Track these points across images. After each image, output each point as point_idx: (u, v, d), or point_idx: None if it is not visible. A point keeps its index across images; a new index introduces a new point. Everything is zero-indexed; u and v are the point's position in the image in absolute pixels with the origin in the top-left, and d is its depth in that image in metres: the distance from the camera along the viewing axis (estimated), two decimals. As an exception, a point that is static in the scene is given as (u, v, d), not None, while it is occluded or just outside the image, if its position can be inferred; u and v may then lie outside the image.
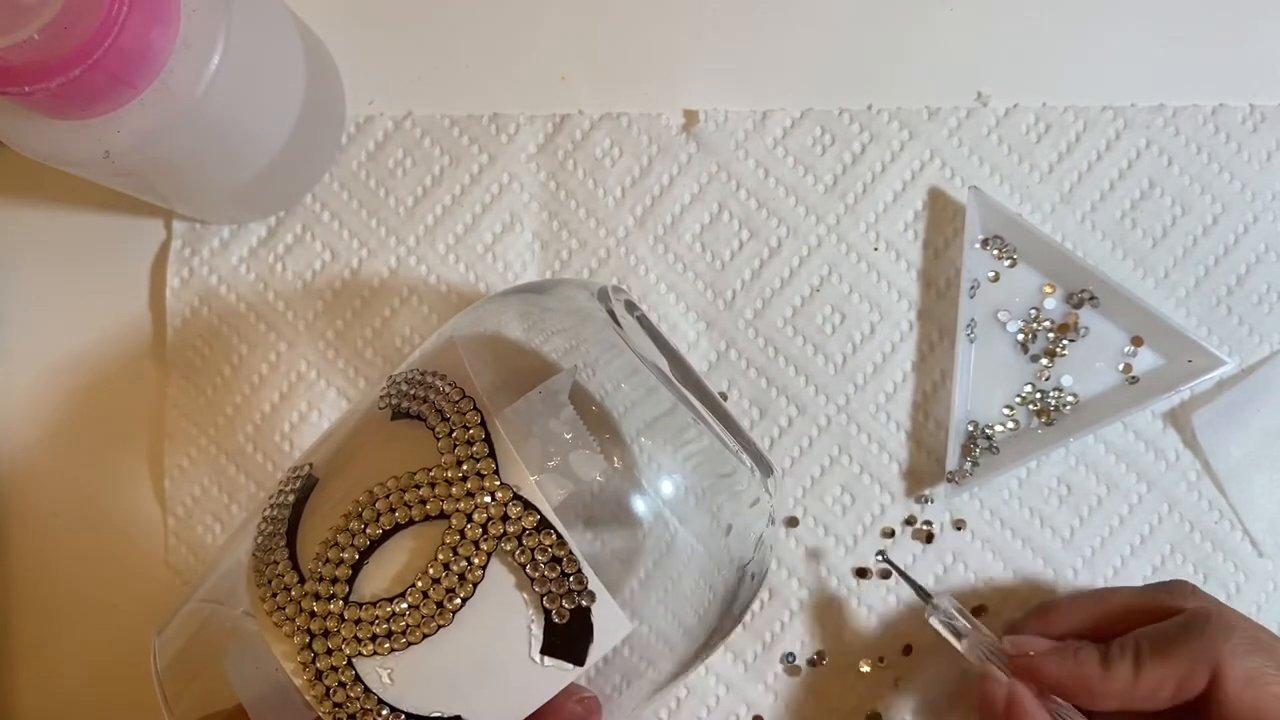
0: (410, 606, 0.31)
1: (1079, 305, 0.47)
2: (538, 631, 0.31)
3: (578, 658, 0.32)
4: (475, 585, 0.31)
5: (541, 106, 0.49)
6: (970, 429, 0.47)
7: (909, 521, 0.47)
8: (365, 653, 0.31)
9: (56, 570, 0.49)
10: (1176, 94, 0.48)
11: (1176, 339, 0.46)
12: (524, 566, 0.31)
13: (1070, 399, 0.47)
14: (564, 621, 0.31)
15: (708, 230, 0.48)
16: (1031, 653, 0.40)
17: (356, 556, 0.31)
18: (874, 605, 0.47)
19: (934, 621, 0.42)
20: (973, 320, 0.47)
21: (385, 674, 0.31)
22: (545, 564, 0.31)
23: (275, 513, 0.34)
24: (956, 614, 0.42)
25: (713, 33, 0.49)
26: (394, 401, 0.34)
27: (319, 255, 0.49)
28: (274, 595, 0.32)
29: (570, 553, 0.31)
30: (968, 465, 0.46)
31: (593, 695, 0.34)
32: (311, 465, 0.35)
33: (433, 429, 0.32)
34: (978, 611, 0.46)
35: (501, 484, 0.31)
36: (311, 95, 0.44)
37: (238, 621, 0.34)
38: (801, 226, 0.48)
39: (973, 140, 0.48)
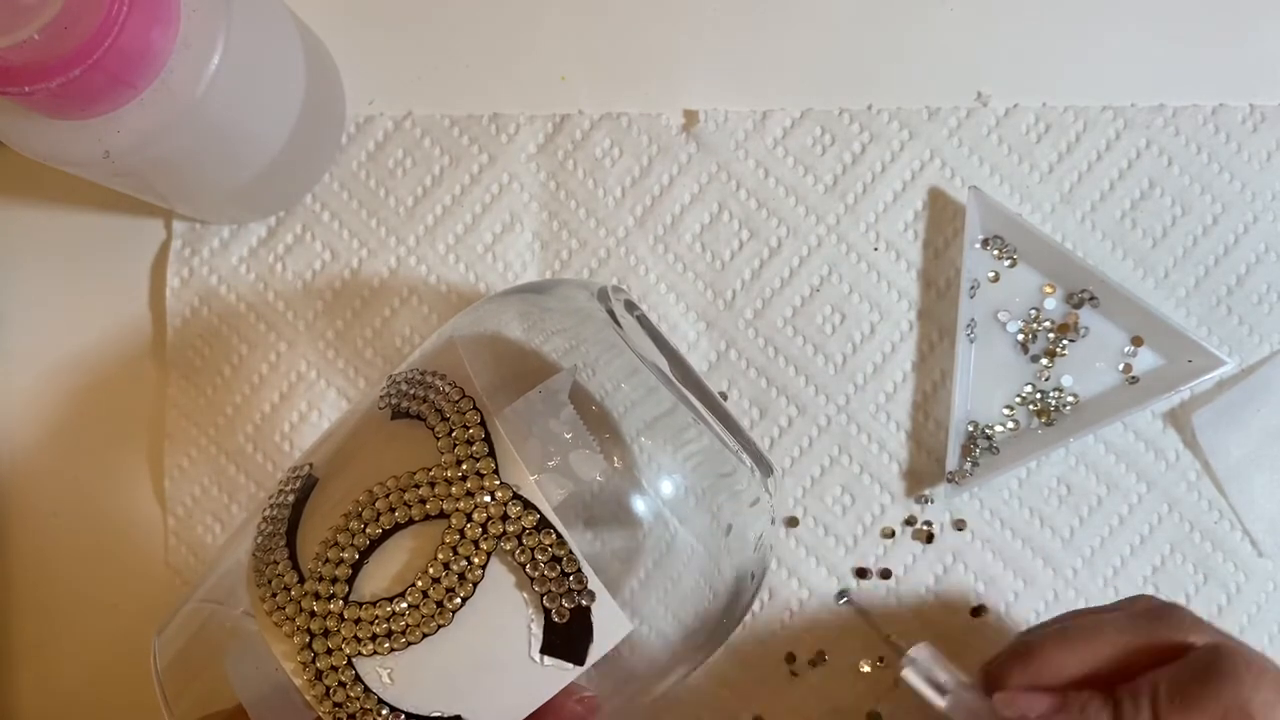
0: (410, 606, 0.31)
1: (1079, 305, 0.47)
2: (537, 631, 0.31)
3: (578, 657, 0.32)
4: (475, 585, 0.31)
5: (541, 106, 0.49)
6: (970, 429, 0.47)
7: (909, 521, 0.47)
8: (365, 652, 0.31)
9: (56, 570, 0.49)
10: (1176, 94, 0.48)
11: (1176, 339, 0.46)
12: (524, 566, 0.31)
13: (1070, 399, 0.47)
14: (564, 621, 0.31)
15: (708, 230, 0.48)
16: (1031, 718, 0.36)
17: (356, 556, 0.31)
18: (874, 605, 0.47)
19: (909, 676, 0.38)
20: (973, 320, 0.47)
21: (385, 674, 0.31)
22: (545, 563, 0.31)
23: (275, 513, 0.34)
24: (937, 668, 0.38)
25: (713, 33, 0.49)
26: (394, 401, 0.34)
27: (319, 255, 0.49)
28: (274, 595, 0.32)
29: (570, 552, 0.31)
30: (968, 465, 0.46)
31: (592, 695, 0.34)
32: (311, 465, 0.35)
33: (432, 429, 0.32)
34: (977, 612, 0.46)
35: (501, 484, 0.31)
36: (311, 95, 0.44)
37: (238, 621, 0.34)
38: (801, 226, 0.48)
39: (973, 140, 0.48)
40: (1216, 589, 0.46)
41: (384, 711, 0.31)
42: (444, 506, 0.31)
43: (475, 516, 0.31)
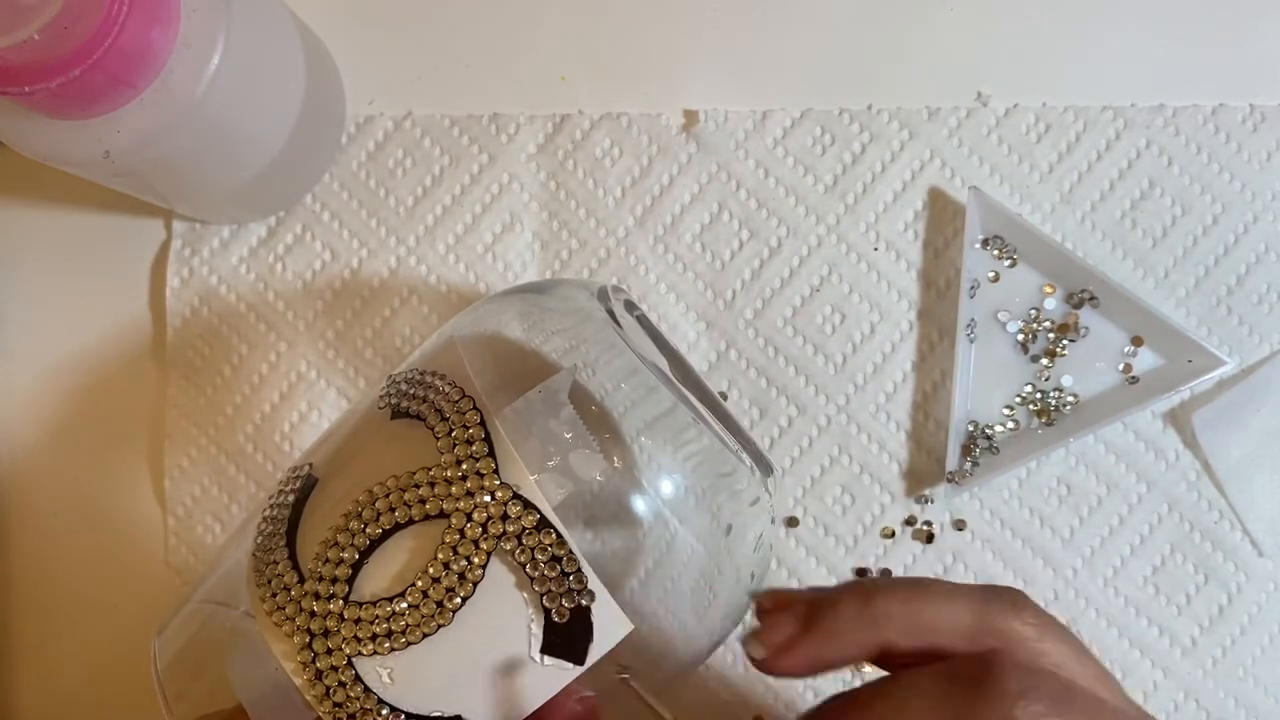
0: (410, 606, 0.31)
1: (1079, 305, 0.47)
2: (537, 631, 0.31)
3: (578, 657, 0.31)
4: (475, 584, 0.31)
5: (541, 106, 0.49)
6: (970, 429, 0.47)
7: (909, 521, 0.47)
8: (365, 652, 0.31)
9: (56, 570, 0.49)
10: (1176, 94, 0.48)
11: (1176, 339, 0.46)
12: (524, 566, 0.31)
13: (1070, 399, 0.47)
14: (564, 621, 0.31)
15: (708, 230, 0.48)
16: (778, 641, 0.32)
17: (356, 556, 0.31)
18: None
19: None
20: (973, 320, 0.47)
21: (385, 673, 0.31)
22: (545, 563, 0.31)
23: (275, 513, 0.34)
24: None
25: (713, 33, 0.49)
26: (394, 401, 0.34)
27: (319, 255, 0.49)
28: (274, 595, 0.32)
29: (570, 552, 0.31)
30: (968, 465, 0.46)
31: (592, 695, 0.34)
32: (311, 465, 0.35)
33: (432, 429, 0.32)
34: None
35: (501, 483, 0.31)
36: (311, 95, 0.44)
37: (238, 621, 0.34)
38: (801, 226, 0.48)
39: (973, 140, 0.48)
40: (1217, 589, 0.46)
41: (384, 711, 0.31)
42: (444, 506, 0.31)
43: (475, 516, 0.31)
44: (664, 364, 0.37)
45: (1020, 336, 0.47)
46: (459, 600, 0.31)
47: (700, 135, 0.48)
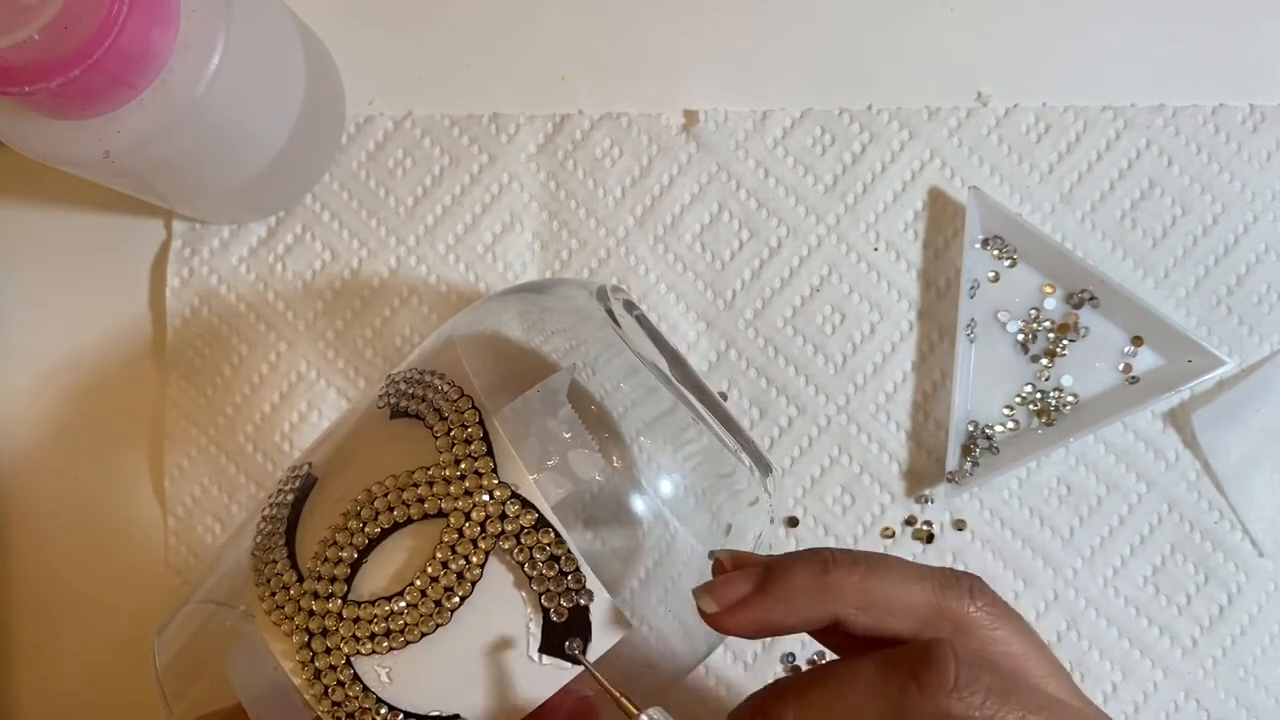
0: (409, 605, 0.31)
1: (1079, 305, 0.47)
2: (536, 630, 0.31)
3: (576, 656, 0.32)
4: (474, 584, 0.31)
5: (541, 106, 0.49)
6: (970, 429, 0.47)
7: (909, 521, 0.47)
8: (364, 651, 0.31)
9: (56, 570, 0.49)
10: (1176, 94, 0.48)
11: (1176, 339, 0.46)
12: (522, 565, 0.31)
13: (1070, 399, 0.47)
14: (562, 620, 0.31)
15: (708, 230, 0.48)
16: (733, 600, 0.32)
17: (355, 555, 0.31)
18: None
19: None
20: (973, 320, 0.47)
21: (384, 673, 0.31)
22: (543, 562, 0.31)
23: (274, 512, 0.34)
24: None
25: (713, 33, 0.49)
26: (393, 401, 0.34)
27: (319, 255, 0.49)
28: (273, 594, 0.32)
29: (569, 551, 0.31)
30: (968, 465, 0.46)
31: (590, 694, 0.34)
32: (310, 465, 0.35)
33: (431, 428, 0.32)
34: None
35: (500, 482, 0.31)
36: (311, 95, 0.44)
37: (237, 621, 0.34)
38: (801, 226, 0.48)
39: (973, 140, 0.48)
40: (1217, 589, 0.46)
41: (382, 711, 0.31)
42: (442, 505, 0.31)
43: (474, 515, 0.31)
44: (663, 364, 0.37)
45: (1020, 336, 0.47)
46: (457, 599, 0.31)
47: (700, 135, 0.48)
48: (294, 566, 0.32)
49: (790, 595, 0.31)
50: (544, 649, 0.31)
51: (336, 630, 0.31)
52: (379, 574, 0.31)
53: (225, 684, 0.33)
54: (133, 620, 0.48)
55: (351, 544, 0.31)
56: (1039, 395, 0.47)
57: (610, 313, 0.36)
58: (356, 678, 0.31)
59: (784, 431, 0.47)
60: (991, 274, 0.47)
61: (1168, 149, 0.48)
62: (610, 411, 0.35)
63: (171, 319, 0.49)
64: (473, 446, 0.31)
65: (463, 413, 0.32)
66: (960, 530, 0.47)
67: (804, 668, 0.46)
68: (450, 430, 0.32)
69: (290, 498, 0.34)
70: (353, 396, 0.48)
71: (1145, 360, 0.47)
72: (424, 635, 0.31)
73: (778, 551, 0.46)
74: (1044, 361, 0.47)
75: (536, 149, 0.49)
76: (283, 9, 0.43)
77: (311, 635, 0.31)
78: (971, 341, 0.47)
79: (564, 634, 0.31)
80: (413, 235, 0.49)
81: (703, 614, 0.32)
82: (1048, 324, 0.47)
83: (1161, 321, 0.45)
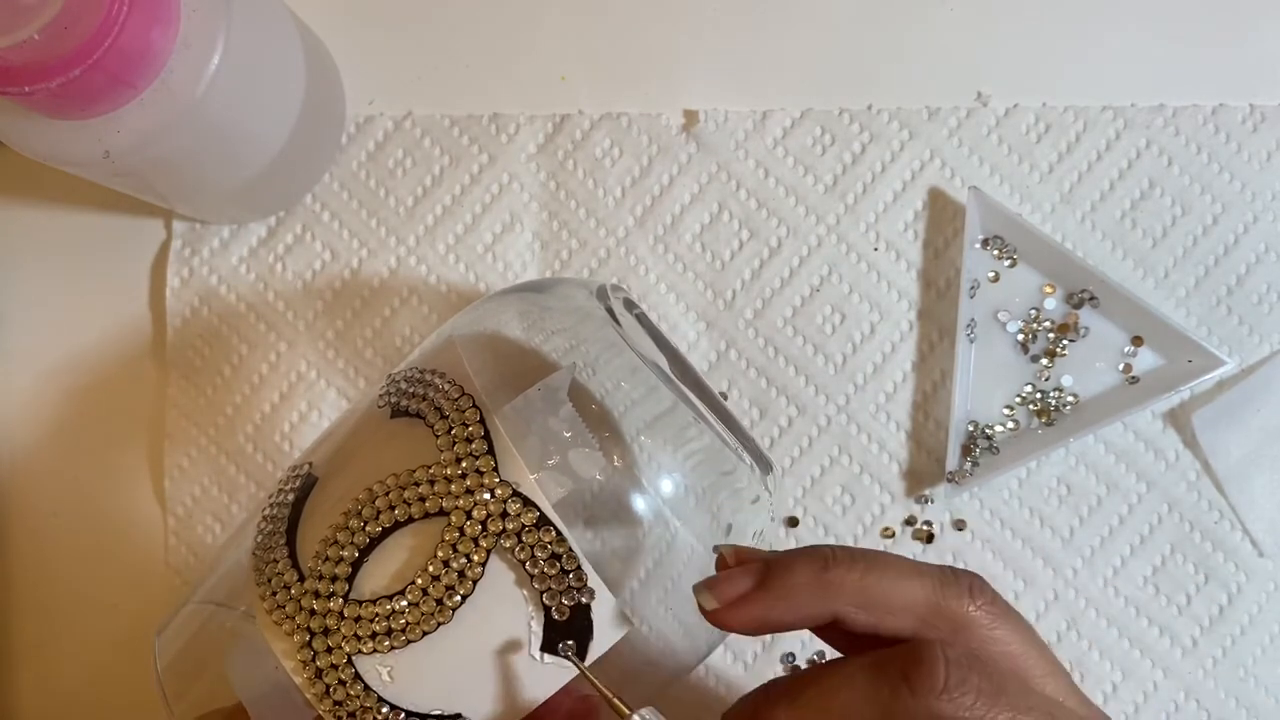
0: (410, 604, 0.31)
1: (1079, 305, 0.47)
2: (537, 629, 0.31)
3: (578, 655, 0.32)
4: (475, 582, 0.31)
5: (541, 106, 0.49)
6: (970, 429, 0.47)
7: (909, 521, 0.47)
8: (365, 650, 0.31)
9: (56, 570, 0.48)
10: (1176, 94, 0.48)
11: (1176, 339, 0.46)
12: (523, 564, 0.31)
13: (1070, 399, 0.47)
14: (564, 619, 0.31)
15: (708, 230, 0.48)
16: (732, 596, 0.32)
17: (356, 554, 0.31)
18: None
19: None
20: (973, 320, 0.47)
21: (385, 672, 0.31)
22: (545, 561, 0.31)
23: (275, 512, 0.34)
24: None
25: (713, 33, 0.49)
26: (393, 400, 0.34)
27: (319, 255, 0.49)
28: (274, 594, 0.32)
29: (570, 550, 0.31)
30: (968, 465, 0.46)
31: (591, 694, 0.34)
32: (311, 464, 0.35)
33: (432, 427, 0.32)
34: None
35: (501, 481, 0.31)
36: (311, 95, 0.44)
37: (238, 621, 0.34)
38: (801, 226, 0.48)
39: (973, 140, 0.48)
40: (1217, 589, 0.46)
41: (384, 710, 0.31)
42: (443, 504, 0.31)
43: (475, 514, 0.31)
44: (663, 362, 0.37)
45: (1020, 336, 0.47)
46: (459, 598, 0.31)
47: (700, 135, 0.48)
48: (295, 566, 0.32)
49: (790, 592, 0.31)
50: (545, 648, 0.31)
51: (338, 629, 0.31)
52: (380, 573, 0.31)
53: (226, 684, 0.33)
54: (133, 620, 0.48)
55: (352, 543, 0.31)
56: (1039, 395, 0.47)
57: (610, 312, 0.36)
58: (358, 677, 0.31)
59: (784, 431, 0.47)
60: (991, 274, 0.47)
61: (1168, 149, 0.48)
62: (611, 410, 0.35)
63: (171, 319, 0.49)
64: (474, 445, 0.31)
65: (463, 411, 0.32)
66: (960, 530, 0.47)
67: (804, 667, 0.46)
68: (451, 429, 0.32)
69: (291, 497, 0.34)
70: (353, 396, 0.48)
71: (1145, 360, 0.47)
72: (425, 634, 0.31)
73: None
74: (1044, 361, 0.47)
75: (536, 149, 0.49)
76: (283, 9, 0.43)
77: (313, 634, 0.31)
78: (971, 341, 0.47)
79: (565, 633, 0.31)
80: (413, 235, 0.49)
81: (703, 610, 0.32)
82: (1048, 324, 0.47)
83: (1161, 321, 0.45)
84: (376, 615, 0.31)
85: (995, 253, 0.47)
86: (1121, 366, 0.47)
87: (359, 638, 0.31)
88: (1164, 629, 0.46)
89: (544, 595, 0.31)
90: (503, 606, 0.31)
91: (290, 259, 0.49)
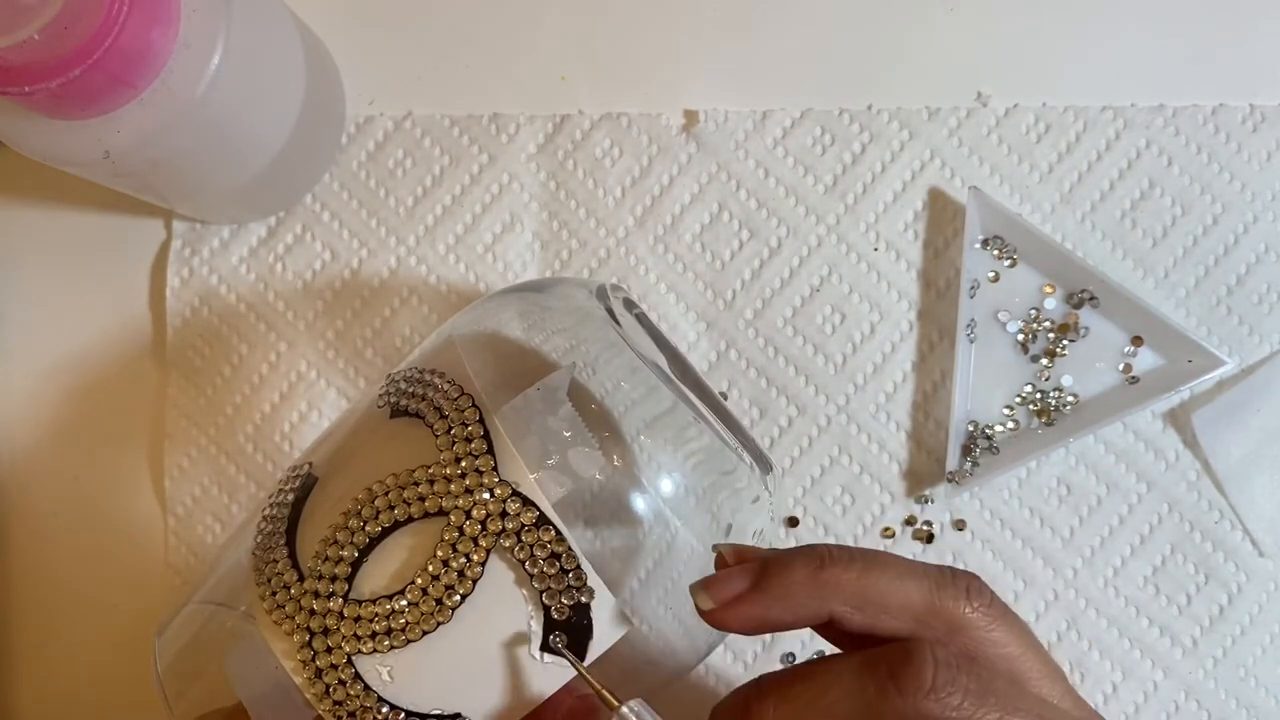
0: (410, 604, 0.31)
1: (1079, 305, 0.47)
2: (537, 628, 0.31)
3: (577, 654, 0.32)
4: (475, 582, 0.31)
5: (541, 106, 0.49)
6: (970, 429, 0.47)
7: (909, 521, 0.47)
8: (365, 650, 0.31)
9: (56, 570, 0.48)
10: (1176, 94, 0.48)
11: (1176, 339, 0.46)
12: (523, 563, 0.31)
13: (1070, 399, 0.47)
14: (563, 618, 0.31)
15: (708, 230, 0.48)
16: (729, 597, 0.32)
17: (356, 554, 0.31)
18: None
19: None
20: (973, 320, 0.47)
21: (385, 671, 0.31)
22: (544, 560, 0.31)
23: (275, 512, 0.34)
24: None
25: (713, 33, 0.49)
26: (393, 400, 0.34)
27: (319, 255, 0.49)
28: (274, 594, 0.32)
29: (569, 549, 0.31)
30: (968, 465, 0.46)
31: (591, 693, 0.34)
32: (311, 464, 0.35)
33: (431, 427, 0.32)
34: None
35: (500, 481, 0.31)
36: (311, 95, 0.44)
37: (238, 621, 0.34)
38: (801, 226, 0.48)
39: (973, 140, 0.48)
40: (1217, 589, 0.46)
41: (384, 709, 0.31)
42: (443, 504, 0.31)
43: (474, 514, 0.31)
44: (663, 362, 0.37)
45: (1020, 336, 0.47)
46: (458, 598, 0.31)
47: (700, 135, 0.48)
48: (295, 566, 0.32)
49: (786, 592, 0.31)
50: (545, 647, 0.31)
51: (337, 629, 0.31)
52: (380, 573, 0.31)
53: (226, 684, 0.33)
54: (133, 620, 0.48)
55: (352, 543, 0.31)
56: (1039, 395, 0.47)
57: (610, 311, 0.36)
58: (358, 676, 0.31)
59: (784, 431, 0.47)
60: (991, 274, 0.47)
61: (1168, 149, 0.48)
62: (611, 410, 0.35)
63: (171, 319, 0.49)
64: (473, 445, 0.31)
65: (463, 411, 0.32)
66: (960, 530, 0.47)
67: (804, 668, 0.46)
68: (451, 429, 0.32)
69: (290, 497, 0.34)
70: (353, 396, 0.48)
71: (1145, 360, 0.47)
72: (425, 634, 0.31)
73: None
74: (1044, 361, 0.47)
75: (536, 149, 0.49)
76: (283, 9, 0.43)
77: (312, 634, 0.31)
78: (971, 341, 0.47)
79: (565, 632, 0.31)
80: (413, 235, 0.49)
81: (699, 610, 0.32)
82: (1048, 324, 0.47)
83: (1161, 321, 0.45)
84: (376, 615, 0.31)
85: (995, 253, 0.47)
86: (1121, 366, 0.47)
87: (359, 637, 0.31)
88: (1164, 629, 0.46)
89: (544, 595, 0.31)
90: (502, 606, 0.31)
91: (290, 259, 0.49)
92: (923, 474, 0.47)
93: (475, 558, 0.31)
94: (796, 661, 0.47)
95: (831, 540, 0.47)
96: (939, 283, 0.48)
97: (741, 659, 0.47)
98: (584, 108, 0.49)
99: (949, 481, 0.46)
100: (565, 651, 0.31)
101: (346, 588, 0.31)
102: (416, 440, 0.32)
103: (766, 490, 0.37)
